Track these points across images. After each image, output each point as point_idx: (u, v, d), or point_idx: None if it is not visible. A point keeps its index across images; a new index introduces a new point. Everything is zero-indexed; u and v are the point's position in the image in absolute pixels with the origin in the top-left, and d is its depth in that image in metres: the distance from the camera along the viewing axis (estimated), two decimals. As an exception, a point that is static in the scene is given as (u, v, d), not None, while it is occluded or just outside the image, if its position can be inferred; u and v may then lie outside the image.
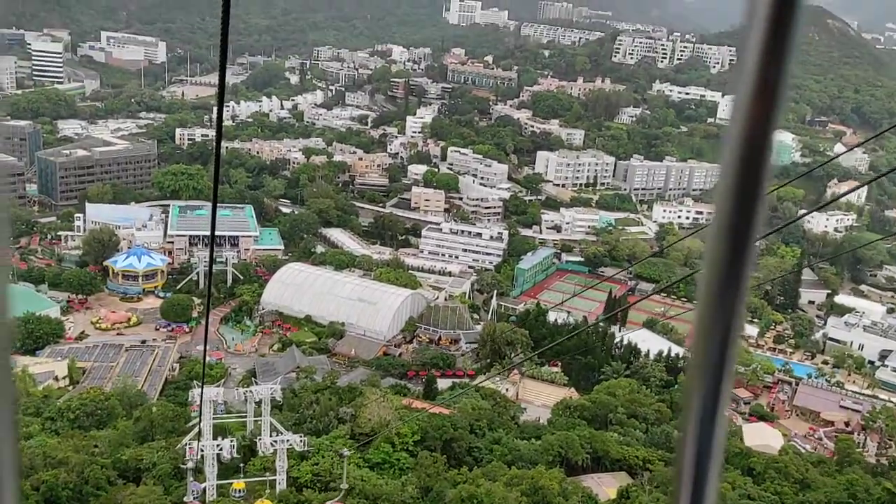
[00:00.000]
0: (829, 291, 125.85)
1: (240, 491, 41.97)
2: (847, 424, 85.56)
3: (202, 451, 44.96)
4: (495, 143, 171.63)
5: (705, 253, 0.73)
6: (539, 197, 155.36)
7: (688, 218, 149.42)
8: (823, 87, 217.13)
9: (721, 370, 0.74)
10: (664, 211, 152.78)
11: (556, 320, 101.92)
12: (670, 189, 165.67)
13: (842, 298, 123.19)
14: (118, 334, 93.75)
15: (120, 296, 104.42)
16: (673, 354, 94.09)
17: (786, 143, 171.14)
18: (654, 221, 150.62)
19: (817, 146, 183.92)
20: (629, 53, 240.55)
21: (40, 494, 41.23)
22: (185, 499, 33.62)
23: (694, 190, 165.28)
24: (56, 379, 76.26)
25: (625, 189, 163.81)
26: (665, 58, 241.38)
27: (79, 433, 54.80)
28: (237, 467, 47.74)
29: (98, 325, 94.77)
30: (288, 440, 47.34)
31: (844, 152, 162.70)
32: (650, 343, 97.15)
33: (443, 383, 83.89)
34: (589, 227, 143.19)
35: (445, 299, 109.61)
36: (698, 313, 0.73)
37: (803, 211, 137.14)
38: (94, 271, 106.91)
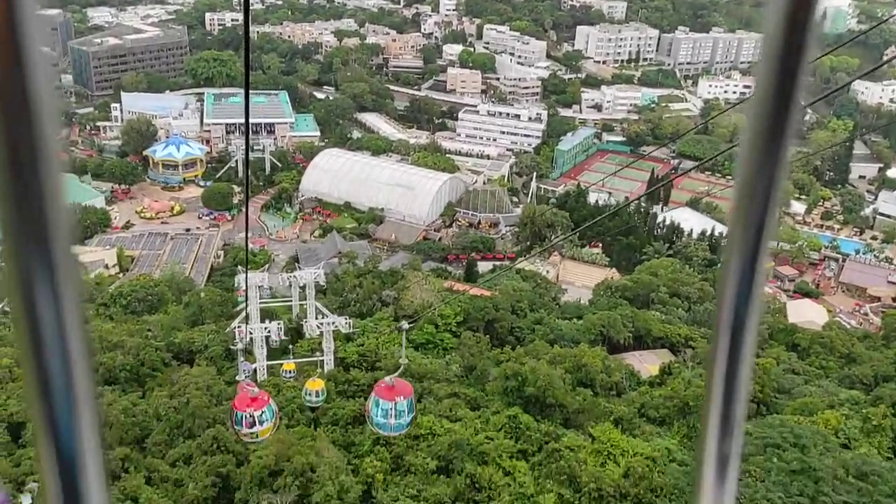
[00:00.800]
0: (882, 165, 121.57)
1: (290, 372, 42.98)
2: (895, 300, 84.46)
3: (251, 333, 46.04)
4: (533, 19, 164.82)
5: (746, 123, 0.72)
6: (579, 75, 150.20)
7: (735, 93, 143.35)
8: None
9: (758, 242, 0.72)
10: (710, 86, 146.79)
11: (597, 201, 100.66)
12: (717, 62, 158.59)
13: (895, 172, 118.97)
14: (162, 223, 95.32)
15: (161, 185, 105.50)
16: (717, 233, 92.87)
17: (841, 10, 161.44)
18: (699, 97, 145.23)
19: (875, 11, 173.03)
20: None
21: (99, 376, 42.89)
22: (237, 377, 34.57)
23: (742, 63, 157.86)
24: (106, 267, 78.26)
25: (669, 64, 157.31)
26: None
27: (132, 318, 56.57)
28: (285, 349, 48.98)
29: (142, 215, 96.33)
30: (333, 322, 48.19)
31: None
32: (693, 222, 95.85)
33: (483, 266, 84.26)
34: (631, 105, 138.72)
35: (484, 183, 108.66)
36: (737, 185, 0.74)
37: (849, 79, 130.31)
38: (135, 161, 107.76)
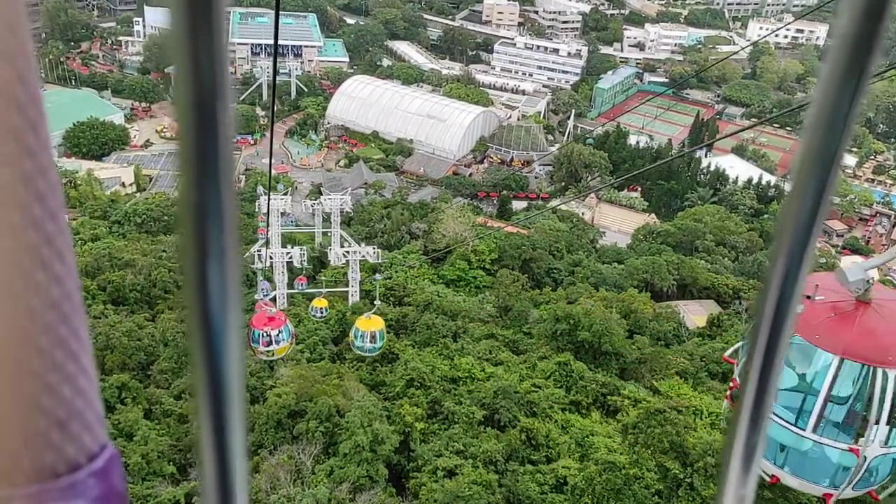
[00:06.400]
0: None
1: (322, 310, 38.46)
2: (952, 262, 79.39)
3: (271, 258, 42.58)
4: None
5: (820, 75, 0.68)
6: (622, 11, 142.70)
7: (786, 37, 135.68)
8: None
9: (820, 195, 0.70)
10: (760, 28, 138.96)
11: (637, 143, 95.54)
12: (768, 3, 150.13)
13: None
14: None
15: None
16: (764, 182, 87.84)
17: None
18: (748, 40, 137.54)
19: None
20: None
21: (107, 294, 39.62)
22: (255, 297, 31.35)
23: (795, 5, 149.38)
24: (123, 185, 74.99)
25: (717, 3, 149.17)
26: None
27: (145, 237, 53.24)
28: (309, 278, 45.52)
29: (162, 134, 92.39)
30: (359, 252, 44.52)
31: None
32: (739, 169, 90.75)
33: (515, 205, 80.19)
34: (675, 44, 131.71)
35: (518, 119, 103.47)
36: (804, 138, 0.70)
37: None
38: (156, 78, 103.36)
